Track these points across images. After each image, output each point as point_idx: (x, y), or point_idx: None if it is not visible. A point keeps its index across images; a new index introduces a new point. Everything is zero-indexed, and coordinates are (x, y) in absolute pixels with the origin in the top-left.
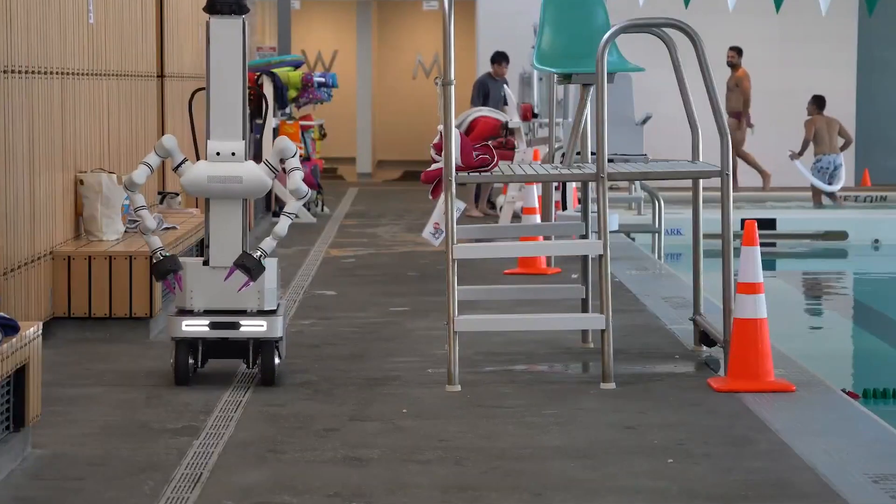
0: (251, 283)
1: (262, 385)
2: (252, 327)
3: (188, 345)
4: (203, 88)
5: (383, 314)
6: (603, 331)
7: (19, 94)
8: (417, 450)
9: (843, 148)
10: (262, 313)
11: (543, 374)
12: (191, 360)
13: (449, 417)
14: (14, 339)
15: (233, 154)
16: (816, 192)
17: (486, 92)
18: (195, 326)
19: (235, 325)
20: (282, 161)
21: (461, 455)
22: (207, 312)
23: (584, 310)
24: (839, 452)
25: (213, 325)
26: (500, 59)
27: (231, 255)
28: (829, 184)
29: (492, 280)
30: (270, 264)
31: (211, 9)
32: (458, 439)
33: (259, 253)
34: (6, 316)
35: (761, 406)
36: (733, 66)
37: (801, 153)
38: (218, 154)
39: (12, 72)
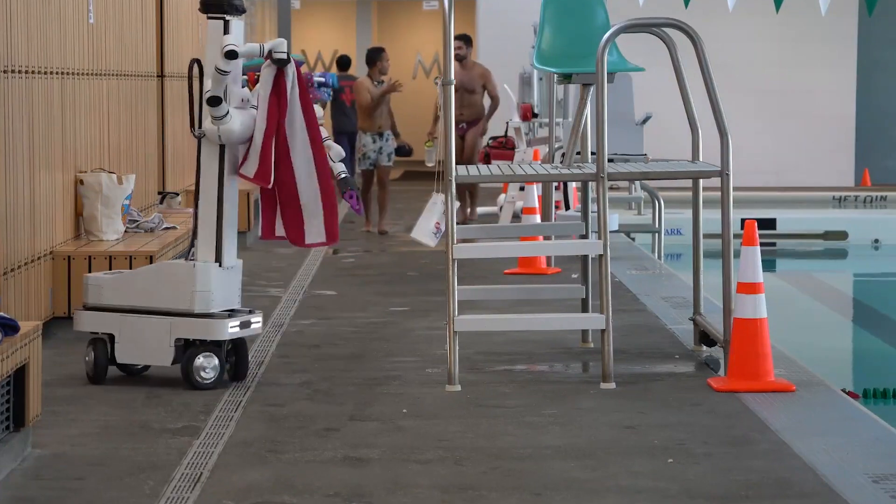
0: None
1: (234, 381)
2: (257, 325)
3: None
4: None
5: (383, 314)
6: (603, 331)
7: (19, 94)
8: (417, 450)
9: None
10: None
11: (543, 374)
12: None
13: (449, 417)
14: (14, 339)
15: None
16: None
17: None
18: (236, 328)
19: (249, 324)
20: None
21: (461, 455)
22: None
23: (584, 310)
24: (839, 452)
25: (242, 325)
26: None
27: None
28: None
29: (492, 280)
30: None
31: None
32: (458, 439)
33: (342, 175)
34: (6, 316)
35: (761, 406)
36: None
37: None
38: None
39: (12, 72)
